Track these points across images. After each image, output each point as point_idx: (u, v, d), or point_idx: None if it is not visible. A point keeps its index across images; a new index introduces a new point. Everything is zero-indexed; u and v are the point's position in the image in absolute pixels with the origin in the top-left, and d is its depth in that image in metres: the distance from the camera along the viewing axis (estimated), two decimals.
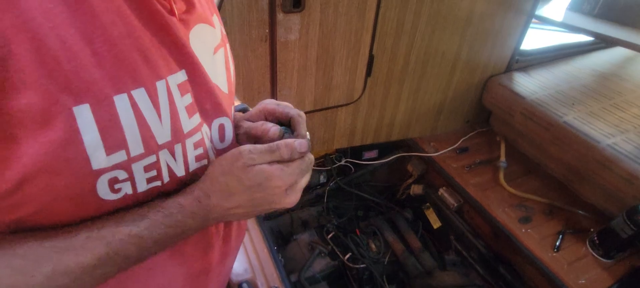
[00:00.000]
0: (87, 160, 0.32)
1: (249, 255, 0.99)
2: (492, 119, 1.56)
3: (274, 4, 0.94)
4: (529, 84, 1.43)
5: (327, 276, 1.26)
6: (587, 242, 1.13)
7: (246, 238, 1.05)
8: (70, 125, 0.30)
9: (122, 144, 0.33)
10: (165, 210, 0.40)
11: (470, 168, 1.41)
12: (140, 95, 0.34)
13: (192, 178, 0.43)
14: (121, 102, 0.32)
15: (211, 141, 0.46)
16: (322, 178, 1.55)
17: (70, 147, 0.30)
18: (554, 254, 1.10)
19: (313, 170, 1.51)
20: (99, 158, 0.32)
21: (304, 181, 0.47)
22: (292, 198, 0.45)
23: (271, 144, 0.44)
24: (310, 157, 0.46)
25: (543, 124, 1.29)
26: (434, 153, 1.47)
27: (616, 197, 1.13)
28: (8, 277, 0.33)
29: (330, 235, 1.36)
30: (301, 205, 1.50)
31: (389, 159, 1.56)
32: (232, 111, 0.50)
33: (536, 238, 1.14)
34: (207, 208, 0.42)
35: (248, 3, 0.92)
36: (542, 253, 1.10)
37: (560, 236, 1.14)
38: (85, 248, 0.36)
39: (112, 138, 0.32)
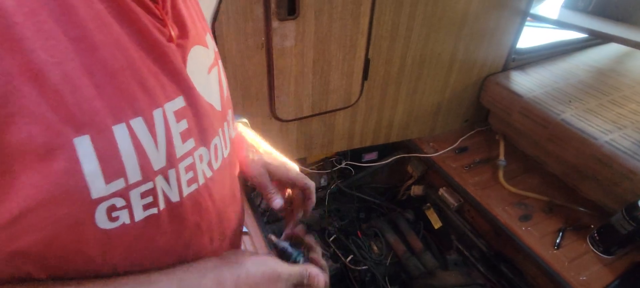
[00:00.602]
0: (86, 189, 0.32)
1: None
2: (491, 117, 1.57)
3: (269, 12, 0.95)
4: (526, 82, 1.43)
5: (329, 279, 1.26)
6: (588, 239, 1.13)
7: (247, 242, 1.06)
8: (70, 156, 0.30)
9: (120, 172, 0.34)
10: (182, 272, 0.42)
11: (470, 168, 1.41)
12: (138, 124, 0.34)
13: (184, 204, 0.43)
14: (120, 132, 0.33)
15: (209, 163, 0.46)
16: (323, 182, 1.56)
17: (71, 177, 0.31)
18: (555, 251, 1.10)
19: (313, 173, 1.53)
20: (98, 187, 0.33)
21: None
22: None
23: (303, 271, 0.49)
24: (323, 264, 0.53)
25: (541, 122, 1.29)
26: (433, 153, 1.47)
27: (615, 194, 1.13)
28: None
29: (332, 238, 1.37)
30: None
31: (388, 161, 1.57)
32: (226, 126, 0.50)
33: (536, 236, 1.15)
34: None
35: (243, 12, 0.93)
36: (542, 251, 1.10)
37: (561, 233, 1.15)
38: None
39: (111, 167, 0.33)
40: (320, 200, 1.56)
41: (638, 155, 1.09)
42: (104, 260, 0.41)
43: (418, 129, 1.52)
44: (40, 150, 0.29)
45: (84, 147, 0.31)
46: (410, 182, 1.58)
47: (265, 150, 0.63)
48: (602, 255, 1.09)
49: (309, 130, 1.28)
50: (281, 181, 0.60)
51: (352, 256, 1.30)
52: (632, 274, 1.03)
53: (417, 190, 1.51)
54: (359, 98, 1.27)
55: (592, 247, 1.11)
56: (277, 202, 0.59)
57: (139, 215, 0.38)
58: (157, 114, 0.36)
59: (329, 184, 1.56)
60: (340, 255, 1.31)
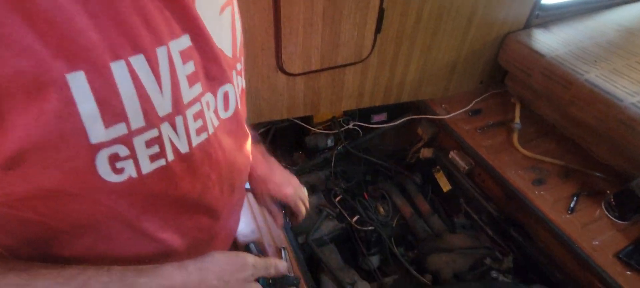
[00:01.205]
0: (84, 132, 0.29)
1: (257, 218, 0.98)
2: (508, 79, 1.49)
3: None
4: (549, 41, 1.34)
5: (334, 238, 1.25)
6: (603, 204, 1.09)
7: (253, 201, 1.04)
8: (64, 94, 0.27)
9: (121, 116, 0.31)
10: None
11: (483, 131, 1.36)
12: (139, 62, 0.31)
13: (195, 155, 0.40)
14: (119, 70, 0.29)
15: (216, 111, 0.43)
16: (330, 142, 1.52)
17: (65, 118, 0.28)
18: (568, 216, 1.07)
19: (320, 133, 1.48)
20: (97, 131, 0.30)
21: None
22: None
23: (269, 262, 0.52)
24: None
25: (563, 83, 1.22)
26: (445, 115, 1.42)
27: (637, 157, 1.08)
28: None
29: (338, 199, 1.34)
30: (309, 169, 1.49)
31: (398, 122, 1.51)
32: (236, 76, 0.46)
33: (550, 201, 1.11)
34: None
35: None
36: (555, 216, 1.07)
37: (575, 198, 1.11)
38: None
39: (111, 109, 0.30)
40: (326, 161, 1.52)
41: None
42: (117, 217, 0.39)
43: (431, 89, 1.46)
44: (30, 87, 0.26)
45: (79, 85, 0.27)
46: (419, 144, 1.53)
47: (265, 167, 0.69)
48: (616, 220, 1.06)
49: (317, 86, 1.23)
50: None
51: (358, 216, 1.28)
52: None
53: (426, 152, 1.47)
54: (370, 53, 1.20)
55: (606, 213, 1.08)
56: (279, 219, 0.73)
57: (147, 166, 0.35)
58: (160, 52, 0.32)
59: (335, 145, 1.52)
60: (346, 215, 1.29)
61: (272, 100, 1.19)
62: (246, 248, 0.89)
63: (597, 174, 1.18)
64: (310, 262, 1.11)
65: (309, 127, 1.45)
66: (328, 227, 1.26)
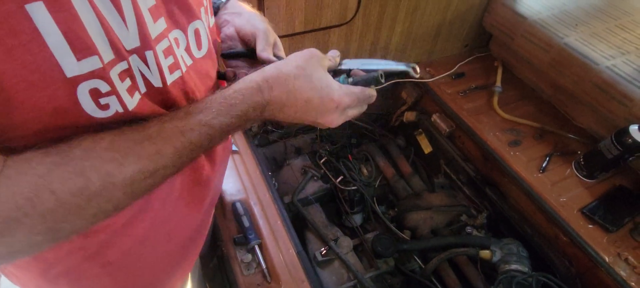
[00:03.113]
0: (57, 66, 0.30)
1: (242, 178, 1.01)
2: (492, 42, 1.51)
3: None
4: (533, 4, 1.35)
5: (319, 198, 1.30)
6: (573, 164, 1.16)
7: (239, 162, 1.07)
8: (28, 26, 0.28)
9: (90, 48, 0.31)
10: (228, 99, 0.40)
11: (465, 94, 1.39)
12: None
13: (170, 92, 0.41)
14: (79, 1, 0.30)
15: (188, 49, 0.43)
16: None
17: (35, 51, 0.29)
18: (539, 175, 1.13)
19: None
20: (70, 63, 0.31)
21: (356, 112, 0.50)
22: (338, 120, 0.47)
23: (330, 57, 0.50)
24: (373, 93, 0.50)
25: (543, 46, 1.24)
26: (429, 79, 1.44)
27: (608, 120, 1.13)
28: (100, 167, 0.33)
29: (322, 160, 1.38)
30: (294, 132, 1.51)
31: (382, 85, 1.53)
32: (205, 13, 0.46)
33: (523, 161, 1.17)
34: (266, 100, 0.42)
35: None
36: (527, 174, 1.13)
37: (547, 158, 1.17)
38: (162, 137, 0.36)
39: (78, 41, 0.30)
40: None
41: (637, 82, 1.06)
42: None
43: (416, 52, 1.46)
44: None
45: (41, 17, 0.28)
46: (403, 108, 1.56)
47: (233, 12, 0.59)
48: (584, 179, 1.12)
49: (301, 49, 1.22)
50: (247, 34, 0.56)
51: (342, 177, 1.32)
52: (610, 195, 1.07)
53: (410, 116, 1.50)
54: (355, 14, 1.19)
55: (576, 172, 1.14)
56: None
57: (130, 102, 0.36)
58: None
59: None
60: (330, 176, 1.33)
61: None
62: (232, 206, 0.93)
63: (570, 136, 1.23)
64: (296, 221, 1.16)
65: None
66: (313, 187, 1.31)
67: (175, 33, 0.40)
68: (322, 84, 0.45)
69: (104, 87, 0.34)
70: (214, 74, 0.51)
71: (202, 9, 0.45)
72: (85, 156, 0.32)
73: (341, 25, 1.20)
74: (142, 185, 0.35)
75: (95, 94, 0.33)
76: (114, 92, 0.34)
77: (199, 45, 0.45)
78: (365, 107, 0.51)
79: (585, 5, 1.36)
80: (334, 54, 0.52)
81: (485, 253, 1.04)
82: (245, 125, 0.42)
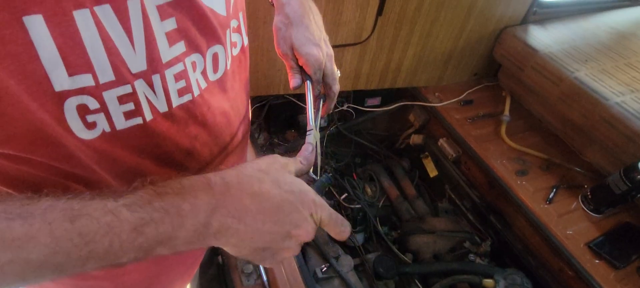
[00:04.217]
0: (46, 78, 0.29)
1: None
2: (501, 72, 1.53)
3: None
4: (543, 38, 1.37)
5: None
6: (580, 197, 1.15)
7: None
8: (22, 37, 0.26)
9: (86, 66, 0.30)
10: (161, 189, 0.32)
11: (473, 121, 1.40)
12: (104, 12, 0.29)
13: (176, 116, 0.39)
14: (82, 19, 0.28)
15: (204, 72, 0.41)
16: (323, 122, 1.54)
17: (26, 62, 0.27)
18: (546, 206, 1.12)
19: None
20: (60, 77, 0.29)
21: (313, 227, 0.39)
22: (308, 229, 0.37)
23: (302, 159, 0.45)
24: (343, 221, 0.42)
25: (553, 79, 1.26)
26: (438, 103, 1.45)
27: (615, 155, 1.13)
28: None
29: None
30: (300, 147, 1.51)
31: (391, 107, 1.54)
32: (230, 35, 0.44)
33: (530, 191, 1.16)
34: (216, 203, 0.33)
35: None
36: (534, 205, 1.12)
37: (554, 190, 1.16)
38: (44, 221, 0.27)
39: (74, 57, 0.29)
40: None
41: None
42: (100, 171, 0.38)
43: (426, 76, 1.48)
44: None
45: (38, 29, 0.27)
46: (410, 130, 1.57)
47: (297, 21, 0.54)
48: (591, 213, 1.11)
49: None
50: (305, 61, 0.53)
51: (346, 194, 1.32)
52: (617, 231, 1.06)
53: (416, 138, 1.51)
54: (370, 35, 1.22)
55: (582, 205, 1.13)
56: (294, 81, 0.54)
57: (121, 123, 0.34)
58: (132, 5, 0.31)
59: (328, 125, 1.54)
60: (334, 192, 1.33)
61: (269, 75, 1.20)
62: None
63: (577, 169, 1.23)
64: None
65: (303, 106, 1.47)
66: None
67: (194, 57, 0.39)
68: (294, 188, 0.37)
69: (93, 104, 0.32)
70: (232, 96, 0.49)
71: (228, 31, 0.43)
72: None
73: (356, 44, 1.23)
74: None
75: (83, 110, 0.32)
76: (103, 110, 0.33)
77: (215, 69, 0.43)
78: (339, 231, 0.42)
79: (595, 42, 1.39)
80: (307, 155, 0.46)
81: (488, 282, 1.02)
82: (178, 235, 0.32)
